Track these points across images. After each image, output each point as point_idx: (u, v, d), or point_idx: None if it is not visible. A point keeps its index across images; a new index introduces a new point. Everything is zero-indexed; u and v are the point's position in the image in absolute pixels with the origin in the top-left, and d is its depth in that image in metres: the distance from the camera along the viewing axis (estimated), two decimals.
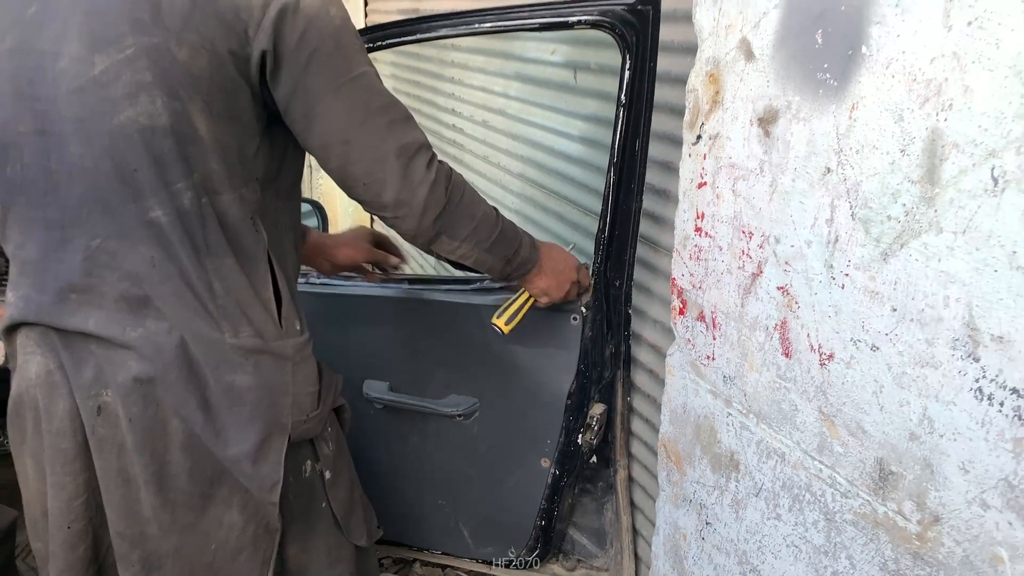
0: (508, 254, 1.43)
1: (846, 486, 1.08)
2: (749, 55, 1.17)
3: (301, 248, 1.46)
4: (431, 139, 1.31)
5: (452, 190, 1.28)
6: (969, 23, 0.84)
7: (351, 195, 1.26)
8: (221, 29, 1.09)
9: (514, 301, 1.61)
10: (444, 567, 2.58)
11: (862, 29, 0.97)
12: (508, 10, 1.59)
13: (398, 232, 1.30)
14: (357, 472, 1.52)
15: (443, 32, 1.65)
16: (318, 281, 1.89)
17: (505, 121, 2.58)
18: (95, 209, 1.17)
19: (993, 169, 0.83)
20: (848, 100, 1.00)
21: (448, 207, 1.28)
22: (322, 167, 1.24)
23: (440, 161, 1.28)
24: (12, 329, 1.29)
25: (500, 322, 1.59)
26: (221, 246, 1.20)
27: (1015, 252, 0.82)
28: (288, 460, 1.30)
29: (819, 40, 1.04)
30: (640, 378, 1.87)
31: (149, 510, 1.27)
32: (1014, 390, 0.84)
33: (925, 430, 0.95)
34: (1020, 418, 0.84)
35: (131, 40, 1.08)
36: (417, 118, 1.28)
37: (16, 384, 1.30)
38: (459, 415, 1.84)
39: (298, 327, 1.30)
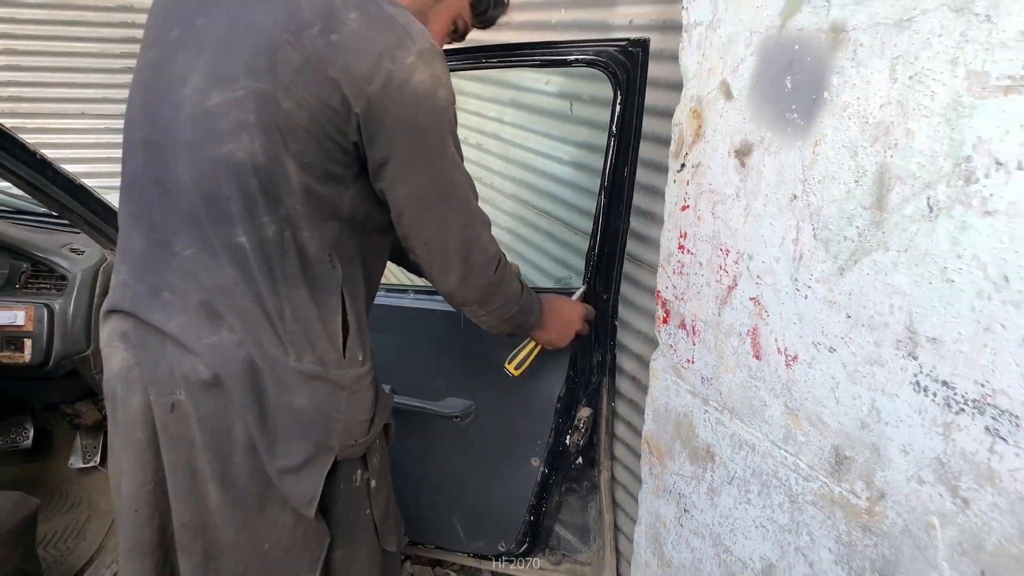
0: (519, 323, 1.58)
1: (807, 471, 1.24)
2: (728, 95, 1.34)
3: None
4: None
5: (497, 286, 1.44)
6: (910, 77, 1.01)
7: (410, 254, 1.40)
8: (326, 90, 1.19)
9: (523, 348, 1.79)
10: (435, 565, 2.72)
11: (824, 78, 1.14)
12: (514, 47, 1.75)
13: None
14: None
15: (454, 65, 1.82)
16: None
17: (499, 145, 2.74)
18: (191, 223, 1.29)
19: (928, 198, 1.00)
20: (812, 137, 1.17)
21: (487, 297, 1.44)
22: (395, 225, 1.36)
23: (499, 254, 1.43)
24: (108, 314, 1.42)
25: (511, 367, 1.79)
26: (297, 277, 1.30)
27: (945, 268, 0.99)
28: (341, 470, 1.41)
29: (788, 85, 1.21)
30: (623, 385, 2.03)
31: (213, 503, 1.37)
32: (944, 382, 1.00)
33: (873, 419, 1.11)
34: (949, 406, 1.00)
35: (243, 83, 1.21)
36: None
37: (104, 374, 1.44)
38: (456, 416, 1.99)
39: (360, 358, 1.38)
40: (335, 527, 1.45)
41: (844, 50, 1.11)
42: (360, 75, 1.18)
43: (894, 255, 1.06)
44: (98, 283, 2.15)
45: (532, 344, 1.76)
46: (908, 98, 1.02)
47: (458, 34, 1.53)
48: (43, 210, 2.50)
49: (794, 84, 1.20)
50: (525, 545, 2.04)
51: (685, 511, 1.56)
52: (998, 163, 0.92)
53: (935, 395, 1.02)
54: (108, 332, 1.41)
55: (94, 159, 4.80)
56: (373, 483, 1.49)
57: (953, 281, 0.98)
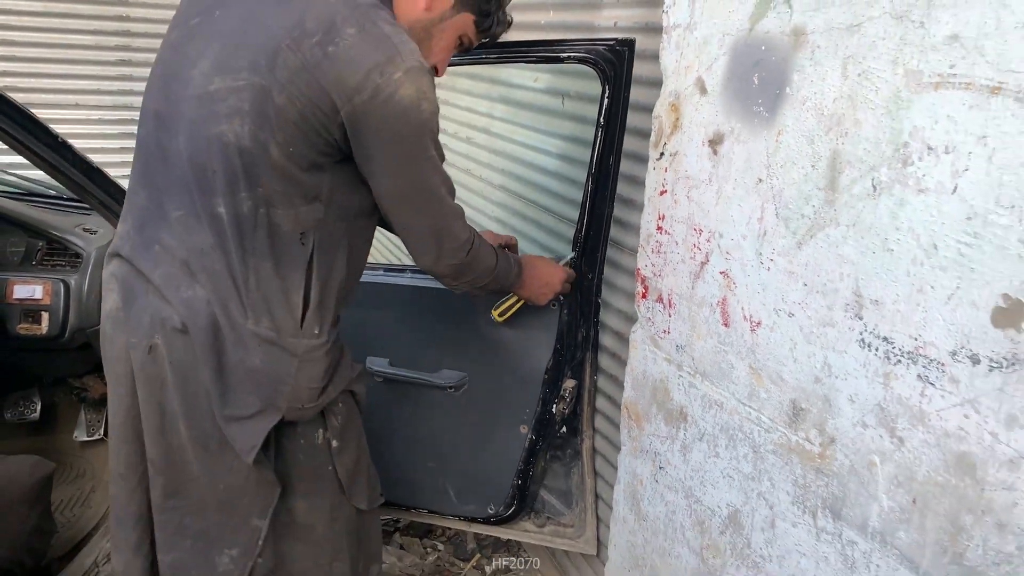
0: (496, 287, 1.77)
1: (768, 423, 1.40)
2: (703, 90, 1.50)
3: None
4: None
5: (468, 265, 1.61)
6: (859, 74, 1.17)
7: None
8: (317, 94, 1.34)
9: (508, 299, 2.00)
10: (423, 536, 2.87)
11: (787, 75, 1.30)
12: (513, 45, 1.90)
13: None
14: None
15: (458, 60, 1.96)
16: None
17: (488, 138, 2.89)
18: (183, 189, 1.46)
19: (873, 179, 1.16)
20: (775, 127, 1.33)
21: (459, 273, 1.62)
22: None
23: (471, 240, 1.59)
24: (110, 256, 1.60)
25: (496, 313, 2.01)
26: (264, 250, 1.45)
27: (886, 239, 1.15)
28: (302, 429, 1.57)
29: (755, 81, 1.37)
30: (604, 360, 2.18)
31: (180, 441, 1.54)
32: (885, 338, 1.16)
33: (825, 374, 1.27)
34: (888, 359, 1.16)
35: (245, 75, 1.37)
36: None
37: (101, 311, 1.62)
38: (450, 387, 2.14)
39: (316, 332, 1.52)
40: (297, 479, 1.60)
41: (804, 51, 1.27)
42: (350, 86, 1.34)
43: (844, 229, 1.22)
44: (106, 288, 2.27)
45: (514, 298, 1.97)
46: (857, 93, 1.18)
47: (464, 47, 1.68)
48: (55, 193, 2.62)
49: (760, 80, 1.36)
50: (513, 508, 2.19)
51: (660, 468, 1.72)
52: (929, 148, 1.08)
53: (877, 350, 1.18)
54: (107, 272, 1.60)
55: (89, 150, 4.88)
56: (335, 443, 1.63)
57: (892, 250, 1.14)
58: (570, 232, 2.09)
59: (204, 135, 1.41)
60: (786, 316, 1.34)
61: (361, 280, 2.17)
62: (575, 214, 2.04)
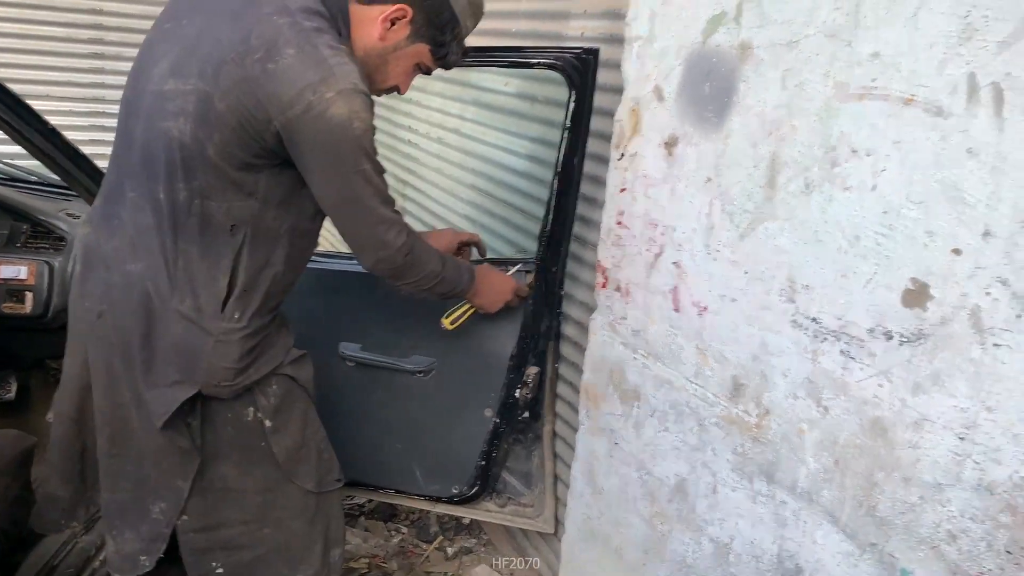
0: (444, 290, 1.86)
1: (712, 399, 1.55)
2: (660, 97, 1.65)
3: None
4: (384, 151, 1.68)
5: (409, 260, 1.71)
6: (796, 85, 1.33)
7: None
8: (254, 105, 1.47)
9: (459, 307, 2.10)
10: (386, 521, 2.98)
11: (734, 85, 1.45)
12: (486, 50, 2.03)
13: None
14: (330, 420, 1.89)
15: None
16: None
17: (459, 139, 3.02)
18: (136, 174, 1.60)
19: (806, 178, 1.31)
20: (723, 131, 1.48)
21: (399, 272, 1.73)
22: None
23: (408, 235, 1.69)
24: (83, 223, 1.77)
25: (447, 322, 2.11)
26: (194, 237, 1.58)
27: (816, 231, 1.30)
28: (231, 405, 1.69)
29: (707, 90, 1.52)
30: (566, 349, 2.32)
31: (122, 399, 1.68)
32: (813, 319, 1.32)
33: (762, 352, 1.42)
34: (816, 337, 1.31)
35: (193, 82, 1.51)
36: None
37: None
38: (420, 371, 2.26)
39: (237, 317, 1.62)
40: (229, 449, 1.72)
41: (749, 63, 1.42)
42: (284, 101, 1.46)
43: (780, 223, 1.37)
44: (75, 256, 2.36)
45: (467, 306, 2.08)
46: (794, 102, 1.33)
47: (424, 71, 1.81)
48: (37, 179, 2.70)
49: (711, 89, 1.51)
50: (476, 488, 2.31)
51: (615, 444, 1.86)
52: (854, 151, 1.23)
53: (807, 329, 1.33)
54: (77, 240, 1.79)
55: None
56: (268, 423, 1.73)
57: (821, 241, 1.30)
58: (536, 228, 2.22)
59: (154, 128, 1.56)
60: (729, 301, 1.49)
61: (335, 269, 2.30)
62: (541, 211, 2.17)
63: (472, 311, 2.10)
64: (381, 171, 1.62)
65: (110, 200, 1.67)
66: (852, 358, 1.25)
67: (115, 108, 4.81)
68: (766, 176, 1.39)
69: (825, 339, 1.30)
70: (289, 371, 1.73)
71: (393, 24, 1.64)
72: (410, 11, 1.64)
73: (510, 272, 2.13)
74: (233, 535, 1.76)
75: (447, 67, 1.81)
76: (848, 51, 1.24)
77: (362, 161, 1.55)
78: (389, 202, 1.66)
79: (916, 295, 1.15)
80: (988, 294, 1.06)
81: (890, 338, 1.19)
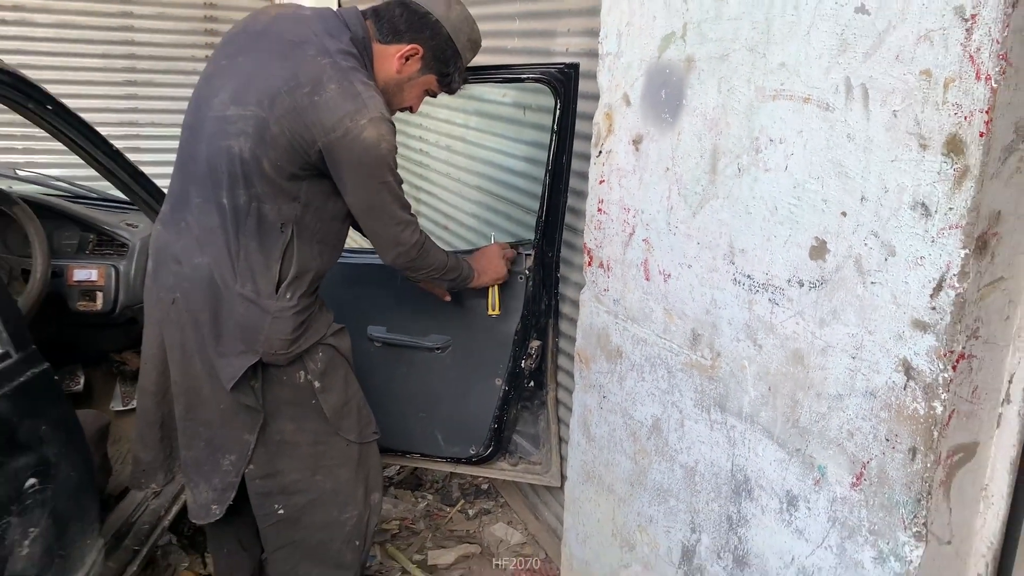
0: (450, 280, 2.28)
1: (677, 349, 1.88)
2: (628, 103, 1.99)
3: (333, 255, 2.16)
4: (399, 160, 2.04)
5: (421, 254, 2.10)
6: (728, 90, 1.66)
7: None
8: (302, 129, 1.85)
9: (490, 295, 2.49)
10: (413, 490, 3.32)
11: (683, 91, 1.79)
12: (483, 69, 2.38)
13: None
14: (364, 392, 2.25)
15: None
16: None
17: (464, 146, 3.37)
18: (201, 183, 1.97)
19: (738, 164, 1.65)
20: (676, 129, 1.82)
21: (413, 265, 2.13)
22: None
23: (420, 234, 2.08)
24: (155, 225, 2.13)
25: (493, 312, 2.51)
26: (252, 234, 1.95)
27: (747, 205, 1.63)
28: (286, 370, 2.03)
29: (663, 95, 1.85)
30: (564, 325, 2.65)
31: (196, 370, 2.04)
32: (748, 276, 1.65)
33: (713, 307, 1.75)
34: (751, 290, 1.64)
35: (252, 109, 1.88)
36: None
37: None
38: (437, 348, 2.60)
39: (288, 297, 1.98)
40: (286, 407, 2.07)
41: (694, 73, 1.76)
42: (327, 127, 1.85)
43: (721, 201, 1.70)
44: (149, 254, 2.73)
45: (490, 290, 2.46)
46: (727, 103, 1.67)
47: (432, 95, 2.20)
48: (96, 195, 3.07)
49: (666, 95, 1.84)
50: (491, 449, 2.65)
51: (604, 397, 2.19)
52: (771, 140, 1.56)
53: (743, 284, 1.66)
54: (151, 240, 2.13)
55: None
56: (317, 383, 2.07)
57: (751, 213, 1.63)
58: (533, 220, 2.56)
59: (217, 145, 1.93)
60: (686, 268, 1.82)
61: (362, 263, 2.65)
62: (537, 205, 2.51)
63: (496, 289, 2.48)
64: (400, 182, 2.00)
65: (177, 206, 2.03)
66: (777, 304, 1.58)
67: (148, 130, 5.29)
68: (709, 164, 1.73)
69: (757, 291, 1.63)
70: (331, 341, 2.08)
71: (407, 60, 2.03)
72: (421, 49, 2.03)
73: (492, 245, 2.53)
74: (291, 481, 2.11)
75: (451, 92, 2.21)
76: (763, 61, 1.57)
77: (387, 175, 1.94)
78: (406, 207, 2.04)
79: (818, 250, 1.48)
80: (866, 245, 1.39)
81: (802, 285, 1.52)
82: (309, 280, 2.02)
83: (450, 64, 2.09)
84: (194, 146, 1.99)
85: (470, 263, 2.36)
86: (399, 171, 2.00)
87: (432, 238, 2.21)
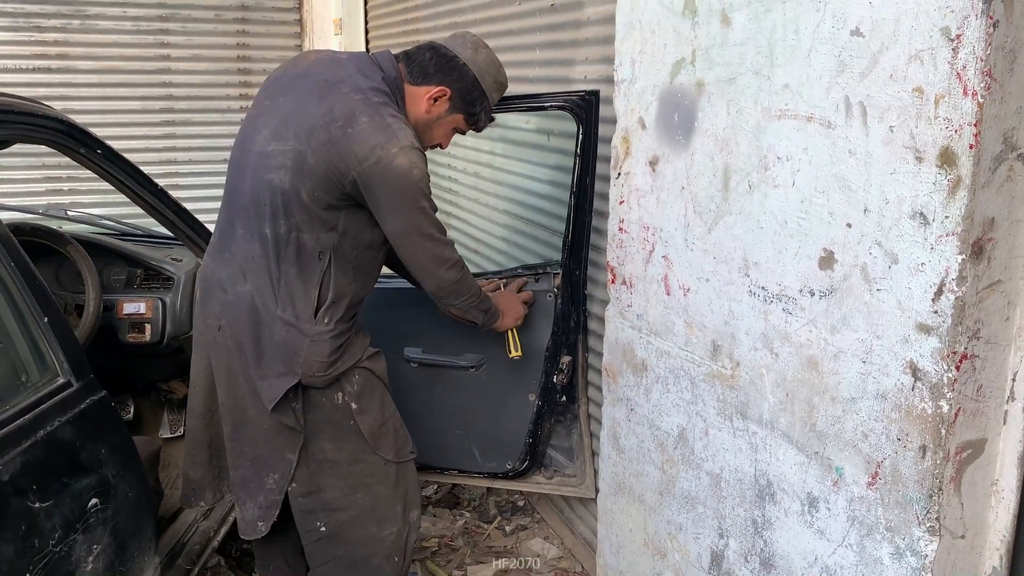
0: (483, 311, 2.35)
1: (698, 360, 1.95)
2: (643, 126, 2.08)
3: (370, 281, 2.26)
4: (431, 187, 2.14)
5: (459, 285, 2.19)
6: (736, 111, 1.75)
7: None
8: (337, 159, 1.96)
9: (507, 339, 2.55)
10: (452, 508, 3.40)
11: (695, 114, 1.88)
12: (508, 98, 2.48)
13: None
14: (400, 412, 2.32)
15: None
16: None
17: (491, 171, 3.48)
18: (245, 215, 2.09)
19: (748, 181, 1.73)
20: (690, 150, 1.90)
21: (455, 292, 2.21)
22: None
23: (460, 265, 2.17)
24: (204, 257, 2.26)
25: (514, 354, 2.55)
26: (292, 261, 2.06)
27: (759, 220, 1.71)
28: (325, 392, 2.13)
29: (676, 119, 1.94)
30: (592, 341, 2.73)
31: (240, 392, 2.15)
32: (763, 287, 1.72)
33: (730, 318, 1.83)
34: (765, 301, 1.72)
35: (291, 144, 2.00)
36: None
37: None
38: (472, 367, 2.69)
39: (326, 321, 2.07)
40: (326, 427, 2.16)
41: (704, 96, 1.84)
42: (360, 157, 1.96)
43: (735, 217, 1.78)
44: (195, 282, 2.87)
45: (508, 333, 2.52)
46: (736, 123, 1.75)
47: (461, 132, 2.30)
48: (141, 231, 3.23)
49: (679, 118, 1.93)
50: (527, 463, 2.72)
51: (631, 410, 2.27)
52: (778, 158, 1.65)
53: (758, 296, 1.74)
54: (200, 269, 2.27)
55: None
56: (354, 405, 2.16)
57: (762, 227, 1.71)
58: (559, 241, 2.65)
59: (259, 179, 2.06)
60: (704, 282, 1.90)
61: (397, 287, 2.76)
62: (563, 226, 2.60)
63: (513, 331, 2.53)
64: (435, 209, 2.10)
65: (223, 238, 2.16)
66: (790, 313, 1.66)
67: (186, 167, 5.54)
68: (722, 182, 1.81)
69: (772, 301, 1.70)
70: (367, 364, 2.18)
71: (436, 101, 2.14)
72: (448, 91, 2.14)
73: (509, 286, 2.62)
74: (332, 498, 2.21)
75: (478, 130, 2.31)
76: (768, 84, 1.66)
77: (421, 200, 2.04)
78: (442, 231, 2.14)
79: (826, 260, 1.56)
80: (870, 254, 1.46)
81: (813, 294, 1.59)
82: (346, 306, 2.12)
83: (476, 104, 2.20)
84: (238, 181, 2.12)
85: (494, 304, 2.43)
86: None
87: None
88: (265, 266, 2.07)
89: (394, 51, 2.20)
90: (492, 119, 2.30)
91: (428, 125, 2.18)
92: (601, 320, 2.64)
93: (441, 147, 2.30)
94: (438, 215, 2.13)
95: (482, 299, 2.32)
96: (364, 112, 1.98)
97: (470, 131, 2.33)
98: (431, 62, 2.14)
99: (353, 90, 2.02)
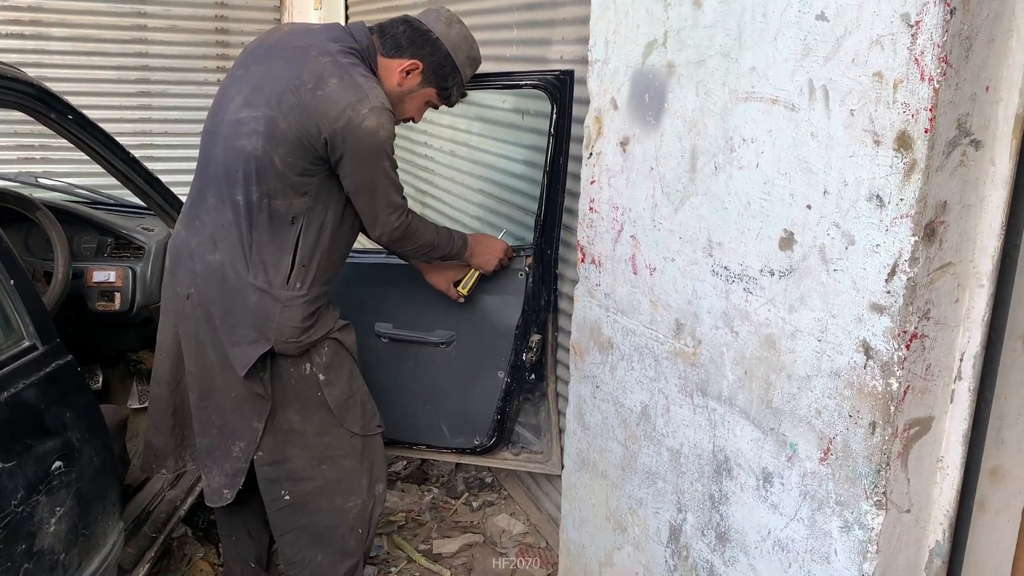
0: (439, 255, 2.40)
1: (662, 339, 1.99)
2: (615, 107, 2.10)
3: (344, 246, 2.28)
4: (405, 166, 2.19)
5: (406, 234, 2.24)
6: (705, 93, 1.77)
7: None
8: (308, 122, 1.98)
9: (467, 276, 2.57)
10: (420, 483, 3.43)
11: (665, 95, 1.90)
12: (485, 76, 2.49)
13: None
14: (370, 388, 2.35)
15: None
16: None
17: (466, 150, 3.49)
18: (216, 183, 2.11)
19: (714, 162, 1.76)
20: (659, 131, 1.93)
21: (399, 243, 2.28)
22: None
23: (407, 215, 2.22)
24: (176, 225, 2.27)
25: (461, 290, 2.58)
26: (265, 228, 2.08)
27: (723, 201, 1.74)
28: (293, 361, 2.15)
29: (647, 99, 1.97)
30: (562, 320, 2.76)
31: (208, 361, 2.17)
32: (725, 267, 1.75)
33: (694, 297, 1.86)
34: (727, 280, 1.75)
35: (262, 110, 2.02)
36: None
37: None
38: (442, 343, 2.71)
39: (299, 286, 2.10)
40: (293, 398, 2.19)
41: (674, 78, 1.87)
42: (331, 117, 1.99)
43: (700, 198, 1.81)
44: (166, 252, 2.86)
45: (470, 272, 2.55)
46: (704, 105, 1.78)
47: (433, 106, 2.32)
48: (113, 200, 3.21)
49: (650, 99, 1.96)
50: (494, 439, 2.75)
51: (596, 387, 2.30)
52: (743, 139, 1.67)
53: (720, 275, 1.77)
54: (171, 238, 2.29)
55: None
56: (321, 376, 2.19)
57: (727, 208, 1.74)
58: (532, 220, 2.67)
59: (232, 146, 2.07)
60: (670, 262, 1.93)
61: (369, 262, 2.77)
62: (535, 205, 2.62)
63: (476, 275, 2.56)
64: (395, 167, 2.14)
65: (193, 206, 2.17)
66: (750, 292, 1.69)
67: (160, 139, 5.50)
68: (689, 163, 1.84)
69: (733, 281, 1.74)
70: (337, 336, 2.20)
71: (408, 74, 2.16)
72: (420, 64, 2.16)
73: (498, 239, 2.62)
74: (297, 468, 2.23)
75: (450, 105, 2.33)
76: (736, 66, 1.68)
77: (383, 160, 2.08)
78: (399, 191, 2.18)
79: (787, 241, 1.59)
80: (828, 235, 1.49)
81: (772, 274, 1.63)
82: (318, 270, 2.14)
83: (449, 79, 2.21)
84: (211, 150, 2.13)
85: (467, 240, 2.46)
86: (401, 172, 2.12)
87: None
88: (237, 233, 2.08)
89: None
90: (465, 94, 2.32)
91: (400, 98, 2.19)
92: (571, 299, 2.66)
93: (414, 121, 2.31)
94: (411, 191, 2.16)
95: (432, 248, 2.37)
96: (333, 73, 2.00)
97: (444, 107, 2.34)
98: (404, 35, 2.15)
99: (321, 53, 2.04)
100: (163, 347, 2.29)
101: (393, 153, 2.10)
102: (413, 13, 2.24)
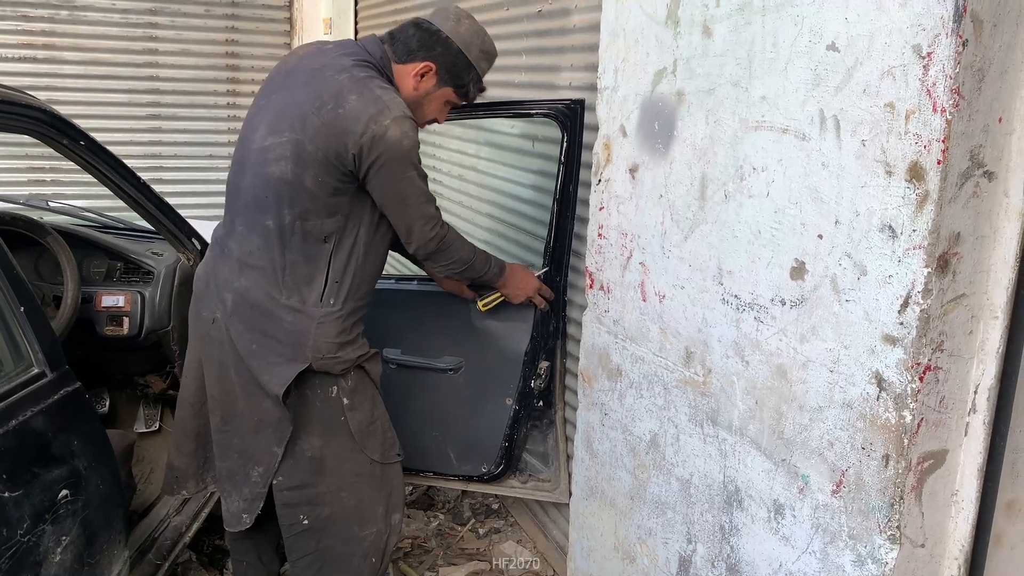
0: (473, 275, 2.39)
1: (672, 367, 1.97)
2: (624, 134, 2.10)
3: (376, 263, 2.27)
4: None
5: (442, 246, 2.24)
6: (715, 121, 1.77)
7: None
8: (334, 141, 1.99)
9: (491, 294, 2.55)
10: (426, 509, 3.40)
11: (675, 123, 1.90)
12: (494, 104, 2.50)
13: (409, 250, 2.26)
14: None
15: (455, 116, 2.54)
16: None
17: (476, 175, 3.50)
18: (245, 211, 2.12)
19: (724, 191, 1.75)
20: (669, 158, 1.92)
21: (435, 256, 2.26)
22: None
23: (442, 227, 2.22)
24: (207, 249, 2.30)
25: (480, 305, 2.56)
26: (298, 249, 2.09)
27: (733, 229, 1.73)
28: (320, 383, 2.15)
29: (656, 127, 1.97)
30: (571, 346, 2.75)
31: (231, 385, 2.18)
32: (735, 295, 1.74)
33: (704, 325, 1.85)
34: (738, 309, 1.74)
35: (287, 135, 2.03)
36: None
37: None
38: (450, 369, 2.70)
39: (332, 302, 2.11)
40: (316, 422, 2.18)
41: (684, 106, 1.87)
42: (356, 133, 1.99)
43: (710, 226, 1.81)
44: (175, 277, 2.86)
45: (497, 294, 2.53)
46: (714, 133, 1.78)
47: (455, 106, 2.32)
48: (123, 225, 3.22)
49: (659, 126, 1.96)
50: (501, 467, 2.73)
51: (605, 414, 2.28)
52: (754, 168, 1.67)
53: (731, 304, 1.76)
54: (199, 266, 2.32)
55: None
56: (346, 400, 2.19)
57: (737, 237, 1.73)
58: (541, 246, 2.67)
59: (261, 174, 2.09)
60: (680, 289, 1.92)
61: (377, 288, 2.77)
62: (545, 232, 2.62)
63: (500, 298, 2.55)
64: (424, 177, 2.15)
65: (225, 234, 2.21)
66: (761, 322, 1.68)
67: (171, 163, 5.54)
68: (699, 191, 1.83)
69: (744, 310, 1.73)
70: (366, 365, 2.21)
71: (422, 77, 2.16)
72: (433, 65, 2.16)
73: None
74: (316, 494, 2.21)
75: (470, 101, 2.32)
76: (746, 95, 1.68)
77: (409, 169, 2.08)
78: (431, 200, 2.19)
79: (798, 271, 1.58)
80: (840, 265, 1.48)
81: (784, 304, 1.62)
82: (352, 285, 2.15)
83: (464, 76, 2.21)
84: (239, 180, 2.16)
85: (504, 268, 2.45)
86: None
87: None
88: (268, 258, 2.09)
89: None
90: (483, 89, 2.31)
91: (419, 102, 2.20)
92: (579, 325, 2.65)
93: (437, 122, 2.32)
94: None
95: (468, 267, 2.34)
96: (352, 90, 2.01)
97: (455, 127, 2.35)
98: (414, 38, 2.16)
99: (337, 71, 2.05)
100: (189, 370, 2.31)
101: (420, 162, 2.11)
102: (422, 14, 2.25)
